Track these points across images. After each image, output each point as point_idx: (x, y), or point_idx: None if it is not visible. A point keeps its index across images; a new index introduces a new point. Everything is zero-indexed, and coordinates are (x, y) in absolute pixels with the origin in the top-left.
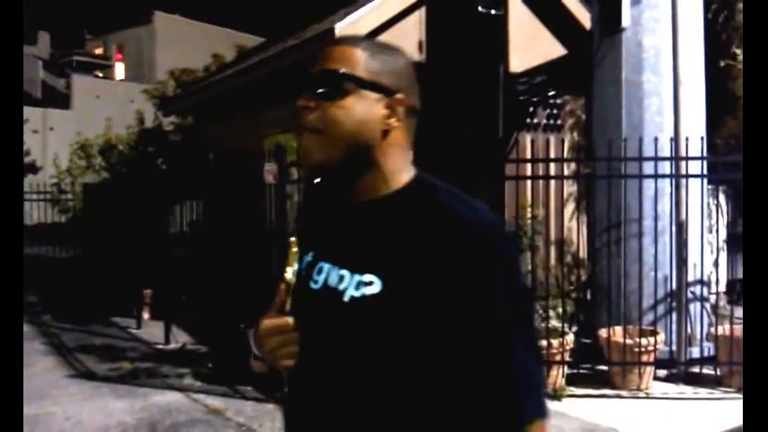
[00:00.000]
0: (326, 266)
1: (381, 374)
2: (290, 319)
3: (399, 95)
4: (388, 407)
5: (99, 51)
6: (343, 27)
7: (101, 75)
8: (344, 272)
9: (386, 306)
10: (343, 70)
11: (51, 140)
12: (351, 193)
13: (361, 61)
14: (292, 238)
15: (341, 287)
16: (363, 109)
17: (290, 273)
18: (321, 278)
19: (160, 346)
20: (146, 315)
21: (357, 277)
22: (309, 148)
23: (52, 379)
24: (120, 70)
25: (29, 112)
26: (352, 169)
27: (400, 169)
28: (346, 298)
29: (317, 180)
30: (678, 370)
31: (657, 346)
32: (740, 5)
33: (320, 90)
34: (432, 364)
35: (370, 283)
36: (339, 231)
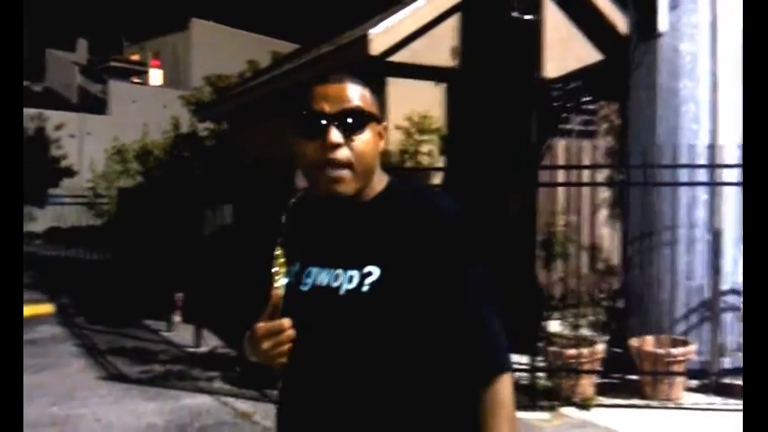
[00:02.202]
0: (314, 270)
1: (380, 356)
2: (285, 321)
3: (385, 123)
4: (385, 386)
5: (135, 57)
6: (377, 33)
7: (137, 80)
8: (338, 271)
9: (386, 290)
10: (363, 108)
11: (88, 145)
12: (338, 204)
13: (368, 98)
14: (278, 251)
15: (335, 284)
16: (374, 139)
17: (280, 281)
18: (310, 281)
19: (191, 350)
20: (177, 318)
21: (351, 272)
22: (341, 181)
23: (83, 380)
24: (156, 76)
25: (66, 116)
26: (359, 190)
27: (380, 179)
28: (342, 292)
29: (295, 198)
30: (709, 380)
31: (689, 357)
32: None
33: (349, 127)
34: (422, 338)
35: (369, 274)
36: (324, 238)
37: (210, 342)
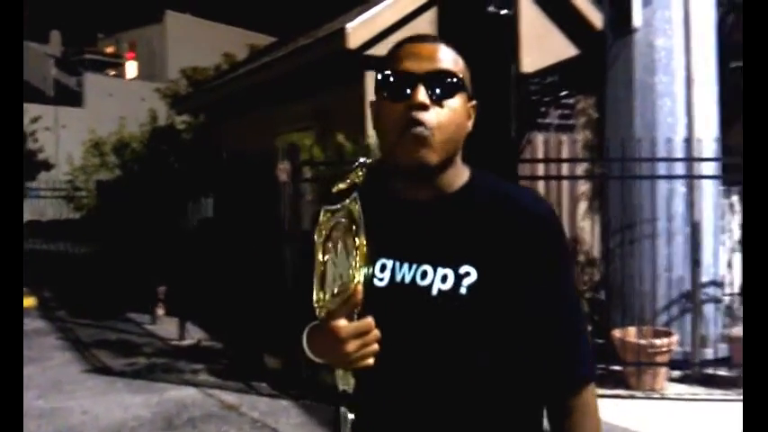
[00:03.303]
0: (391, 263)
1: (475, 361)
2: (370, 321)
3: (474, 102)
4: (478, 391)
5: (111, 50)
6: (354, 27)
7: (113, 73)
8: (425, 267)
9: (485, 293)
10: (456, 72)
11: (64, 138)
12: (413, 191)
13: (462, 65)
14: (361, 239)
15: (423, 283)
16: (463, 112)
17: (360, 274)
18: (386, 275)
19: (175, 342)
20: (160, 311)
21: (444, 271)
22: (424, 144)
23: (69, 373)
24: (131, 69)
25: (42, 109)
26: (440, 168)
27: (462, 167)
28: (434, 292)
29: (358, 176)
30: (692, 371)
31: (671, 347)
32: None
33: (438, 89)
34: (516, 344)
35: (467, 274)
36: (403, 228)
37: (195, 335)
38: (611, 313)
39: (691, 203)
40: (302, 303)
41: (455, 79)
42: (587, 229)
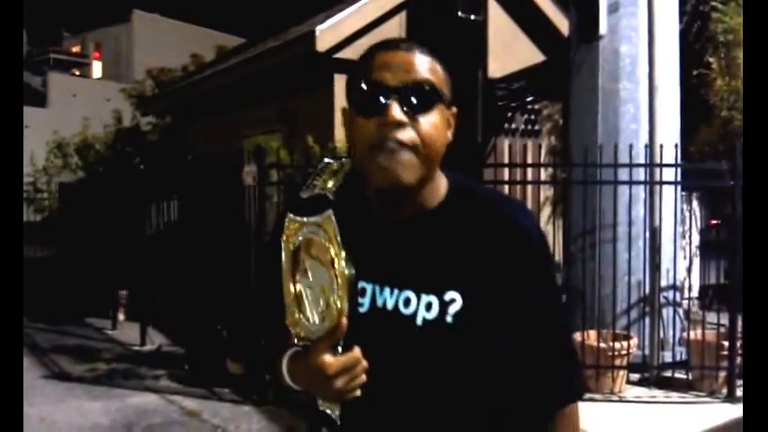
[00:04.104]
0: (370, 287)
1: (462, 391)
2: (357, 354)
3: (454, 109)
4: (465, 420)
5: (76, 49)
6: (323, 30)
7: (78, 73)
8: (408, 293)
9: (472, 322)
10: (433, 82)
11: (27, 138)
12: (390, 207)
13: (440, 73)
14: (343, 262)
15: (407, 311)
16: (444, 124)
17: (344, 303)
18: (366, 301)
19: (136, 348)
20: (121, 316)
21: (428, 298)
22: (403, 166)
23: (26, 379)
24: (97, 69)
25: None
26: (419, 187)
27: (440, 178)
28: (419, 321)
29: (333, 191)
30: (651, 374)
31: (631, 351)
32: (714, 16)
33: (416, 104)
34: (505, 371)
35: (452, 301)
36: (381, 249)
37: (156, 340)
38: (572, 317)
39: (651, 208)
40: (267, 311)
41: (433, 90)
42: (551, 234)
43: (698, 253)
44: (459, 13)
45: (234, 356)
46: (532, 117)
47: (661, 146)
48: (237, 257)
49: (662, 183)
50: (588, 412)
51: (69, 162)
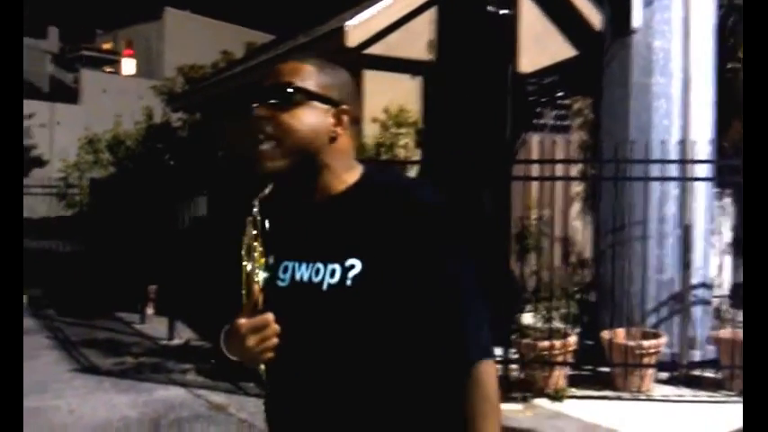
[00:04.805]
0: (291, 264)
1: (366, 350)
2: (268, 316)
3: (345, 106)
4: (372, 380)
5: (108, 46)
6: (353, 26)
7: (109, 70)
8: (318, 265)
9: (369, 284)
10: (296, 83)
11: (58, 135)
12: (306, 195)
13: (311, 76)
14: (255, 244)
15: (316, 279)
16: (313, 118)
17: (259, 276)
18: (287, 276)
19: (164, 342)
20: (150, 310)
21: (333, 266)
22: (266, 155)
23: (56, 372)
24: (128, 66)
25: (37, 105)
26: (305, 172)
27: (348, 168)
28: (324, 287)
29: (267, 189)
30: (679, 373)
31: (659, 349)
32: None
33: (273, 101)
34: (405, 330)
35: (352, 267)
36: (300, 231)
37: (184, 334)
38: (601, 314)
39: (683, 206)
40: (225, 294)
41: (293, 89)
42: (580, 230)
43: (730, 250)
44: (489, 8)
45: (229, 356)
46: (562, 112)
47: (694, 142)
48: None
49: (695, 179)
50: (616, 411)
51: (101, 158)
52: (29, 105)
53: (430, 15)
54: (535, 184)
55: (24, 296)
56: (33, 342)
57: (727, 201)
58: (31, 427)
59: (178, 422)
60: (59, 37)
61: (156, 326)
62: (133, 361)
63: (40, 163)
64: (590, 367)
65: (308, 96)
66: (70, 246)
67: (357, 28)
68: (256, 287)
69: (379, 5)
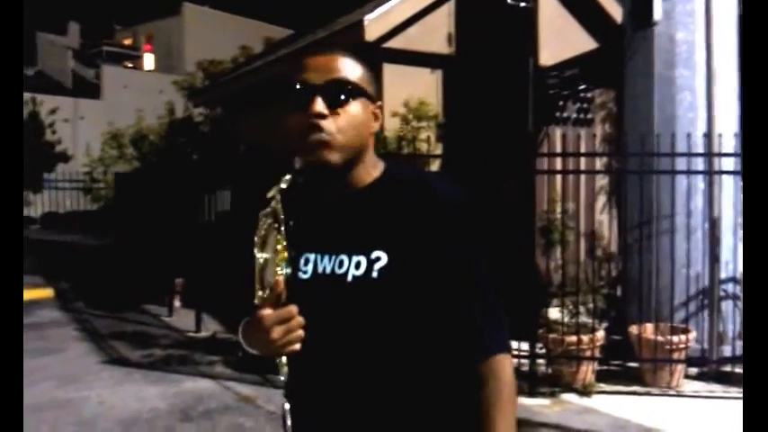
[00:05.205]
0: (313, 257)
1: (391, 342)
2: (293, 307)
3: (380, 102)
4: (396, 372)
5: (128, 42)
6: (372, 19)
7: (130, 65)
8: (342, 257)
9: (395, 276)
10: (351, 78)
11: (82, 130)
12: (332, 188)
13: (360, 72)
14: (278, 237)
15: (340, 271)
16: (363, 115)
17: (282, 268)
18: (309, 268)
19: (191, 334)
20: (177, 303)
21: (358, 258)
22: (324, 146)
23: (85, 364)
24: (148, 61)
25: (60, 101)
26: (347, 166)
27: (375, 163)
28: (349, 278)
29: (283, 181)
30: (709, 368)
31: (689, 344)
32: None
33: (334, 98)
34: (428, 323)
35: (378, 259)
36: (322, 223)
37: (211, 327)
38: (629, 309)
39: (710, 199)
40: (240, 289)
41: (350, 87)
42: (605, 224)
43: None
44: (509, 1)
45: (248, 350)
46: (585, 105)
47: (720, 135)
48: None
49: (722, 172)
50: (645, 406)
51: (124, 152)
52: (52, 101)
53: (448, 8)
54: (559, 178)
55: (53, 289)
56: (62, 334)
57: None
58: (62, 419)
59: (207, 413)
60: (80, 33)
61: (183, 318)
62: (161, 353)
63: (65, 158)
64: (618, 362)
65: (360, 93)
66: (97, 239)
67: (376, 21)
68: (280, 279)
69: None
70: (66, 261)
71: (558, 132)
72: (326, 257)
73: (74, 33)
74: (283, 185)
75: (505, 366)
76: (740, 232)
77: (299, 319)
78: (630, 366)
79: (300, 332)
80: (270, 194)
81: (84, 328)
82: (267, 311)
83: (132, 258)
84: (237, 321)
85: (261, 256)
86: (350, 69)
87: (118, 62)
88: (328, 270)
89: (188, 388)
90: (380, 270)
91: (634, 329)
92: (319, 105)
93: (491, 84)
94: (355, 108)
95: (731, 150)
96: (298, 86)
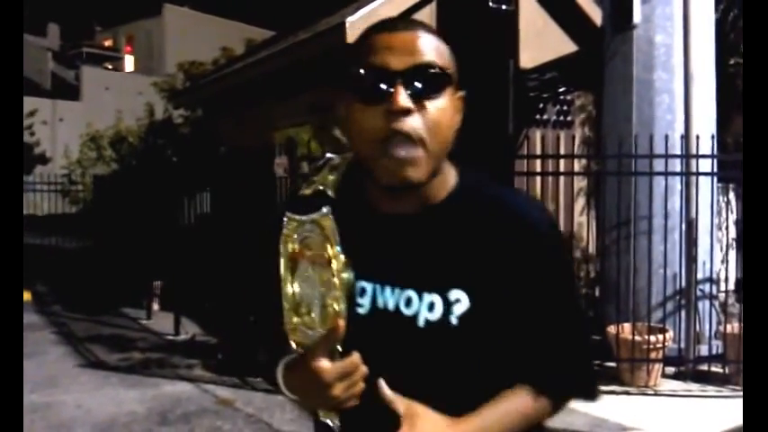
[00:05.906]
0: (370, 287)
1: (464, 394)
2: (356, 359)
3: (462, 92)
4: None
5: (108, 43)
6: (354, 21)
7: (110, 67)
8: (410, 293)
9: (478, 324)
10: (440, 65)
11: (61, 132)
12: (398, 200)
13: (446, 54)
14: (341, 261)
15: (408, 312)
16: (452, 109)
17: (342, 306)
18: (366, 301)
19: (170, 337)
20: (155, 306)
21: (430, 297)
22: (412, 164)
23: (63, 368)
24: (129, 62)
25: (39, 103)
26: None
27: (449, 170)
28: (421, 323)
29: (331, 183)
30: (686, 367)
31: (666, 344)
32: None
33: (423, 89)
34: (509, 368)
35: (457, 301)
36: (383, 244)
37: (190, 330)
38: (606, 309)
39: (687, 200)
40: (265, 314)
41: (441, 73)
42: (584, 226)
43: (734, 245)
44: (491, 3)
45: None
46: (565, 108)
47: (697, 137)
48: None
49: (698, 174)
50: (623, 405)
51: (103, 154)
52: (31, 102)
53: (430, 10)
54: (539, 180)
55: (29, 293)
56: (40, 338)
57: (732, 196)
58: (38, 423)
59: (185, 417)
60: (60, 34)
61: (161, 321)
62: (140, 356)
63: (43, 160)
64: (596, 362)
65: (449, 80)
66: (75, 242)
67: (358, 23)
68: (340, 320)
69: (380, 0)
70: (44, 264)
71: (537, 134)
72: (388, 289)
73: (53, 35)
74: (330, 191)
75: (548, 406)
76: (717, 233)
77: (363, 370)
78: (608, 366)
79: (362, 385)
80: (305, 193)
81: (62, 331)
82: (326, 364)
83: (110, 261)
84: (269, 355)
85: (296, 276)
86: (437, 49)
87: (98, 63)
88: (391, 306)
89: (166, 391)
90: (461, 316)
91: (612, 329)
92: (403, 98)
93: (472, 85)
94: (445, 101)
95: (708, 152)
96: (371, 72)
